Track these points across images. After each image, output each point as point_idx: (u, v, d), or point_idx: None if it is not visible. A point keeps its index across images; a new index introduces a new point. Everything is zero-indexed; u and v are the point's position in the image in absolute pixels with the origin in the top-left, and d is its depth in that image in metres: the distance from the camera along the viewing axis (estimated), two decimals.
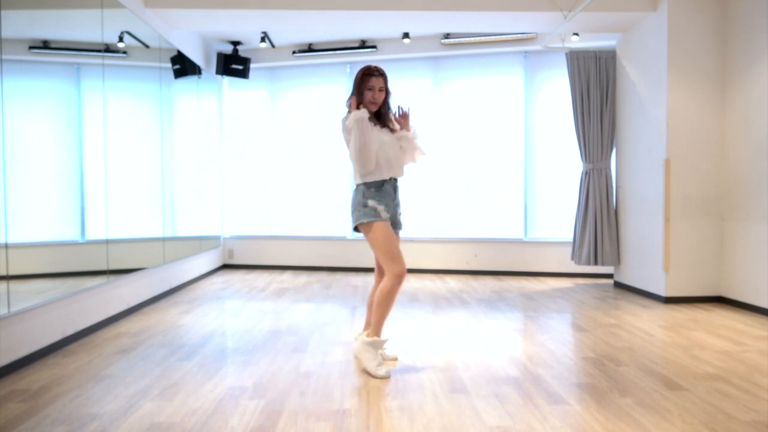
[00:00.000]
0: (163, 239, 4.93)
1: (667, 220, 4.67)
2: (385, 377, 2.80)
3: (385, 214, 2.90)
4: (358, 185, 2.97)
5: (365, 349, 2.90)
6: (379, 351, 2.93)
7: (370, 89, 2.94)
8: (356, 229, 2.98)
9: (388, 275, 2.87)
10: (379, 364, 2.86)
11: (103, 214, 3.89)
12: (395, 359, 3.10)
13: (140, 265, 4.46)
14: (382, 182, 2.94)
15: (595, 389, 2.59)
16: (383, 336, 2.95)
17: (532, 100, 6.34)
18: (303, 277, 6.23)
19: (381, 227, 2.88)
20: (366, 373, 2.86)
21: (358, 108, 2.92)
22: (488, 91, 6.45)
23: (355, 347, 2.99)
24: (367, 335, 2.96)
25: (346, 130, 2.94)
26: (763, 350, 3.24)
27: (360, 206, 2.90)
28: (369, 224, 2.88)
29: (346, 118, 2.96)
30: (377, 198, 2.90)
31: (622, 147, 5.48)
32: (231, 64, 6.43)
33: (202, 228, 6.09)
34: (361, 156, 2.86)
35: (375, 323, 2.92)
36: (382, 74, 2.97)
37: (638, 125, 5.13)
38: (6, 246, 2.86)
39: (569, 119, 5.83)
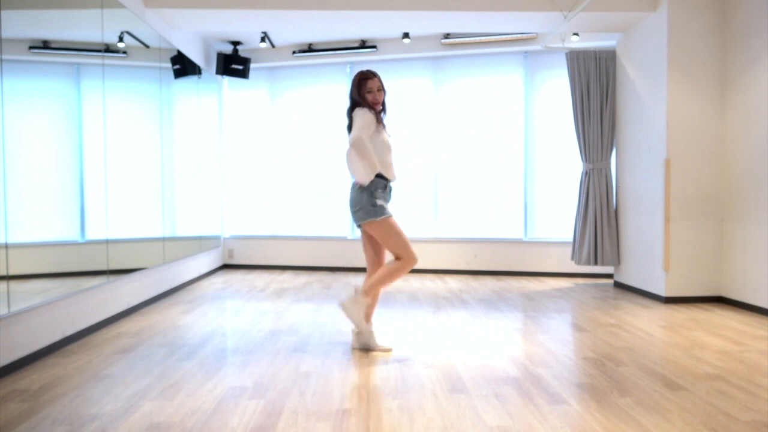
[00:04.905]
0: (163, 239, 4.93)
1: (667, 220, 4.67)
2: (387, 349, 3.18)
3: (390, 211, 3.14)
4: (362, 185, 3.12)
5: (355, 306, 3.11)
6: (371, 331, 3.24)
7: (369, 92, 3.15)
8: (359, 226, 3.18)
9: (405, 259, 3.10)
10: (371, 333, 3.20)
11: (103, 214, 3.89)
12: (389, 350, 3.23)
13: (140, 265, 4.46)
14: (387, 183, 3.17)
15: (595, 389, 2.59)
16: (373, 325, 3.28)
17: (532, 100, 6.34)
18: (303, 277, 6.23)
19: (393, 221, 3.11)
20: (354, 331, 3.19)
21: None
22: (488, 91, 6.45)
23: (343, 301, 3.16)
24: (357, 291, 3.16)
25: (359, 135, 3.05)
26: (763, 350, 3.24)
27: (369, 206, 3.07)
28: (380, 221, 3.08)
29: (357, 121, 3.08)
30: (383, 198, 3.13)
31: (622, 147, 5.48)
32: (231, 64, 6.43)
33: (202, 228, 6.09)
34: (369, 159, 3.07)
35: (370, 286, 3.13)
36: (376, 75, 3.20)
37: (638, 125, 5.13)
38: (6, 246, 2.86)
39: (569, 119, 5.83)
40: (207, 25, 5.47)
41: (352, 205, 3.15)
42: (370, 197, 3.07)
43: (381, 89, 3.19)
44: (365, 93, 3.15)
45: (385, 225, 3.08)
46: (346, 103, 3.28)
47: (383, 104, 3.23)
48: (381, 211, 3.07)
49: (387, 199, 3.17)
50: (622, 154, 5.49)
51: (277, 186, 6.96)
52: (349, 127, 3.20)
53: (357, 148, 3.02)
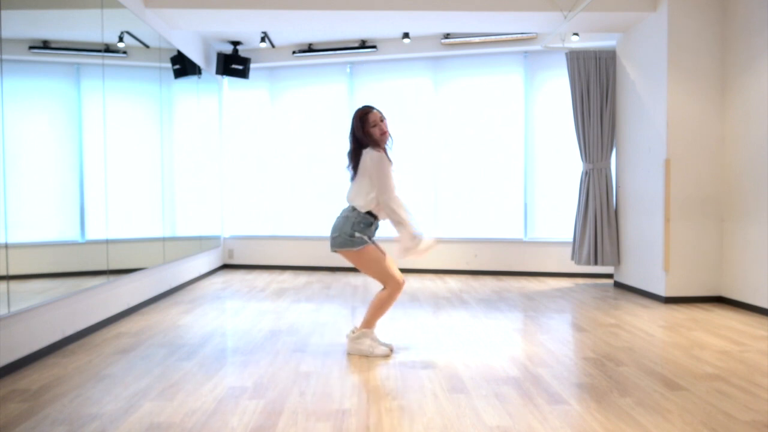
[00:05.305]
0: (163, 239, 4.93)
1: (667, 220, 4.67)
2: (386, 354, 3.12)
3: (368, 240, 3.10)
4: (348, 215, 3.07)
5: (358, 342, 3.16)
6: (371, 339, 3.19)
7: (374, 126, 3.10)
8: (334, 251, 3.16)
9: (389, 286, 3.12)
10: (375, 346, 3.14)
11: (103, 214, 3.89)
12: (389, 355, 3.19)
13: (140, 265, 4.46)
14: (374, 221, 3.12)
15: (595, 389, 2.59)
16: (375, 330, 3.25)
17: (532, 100, 6.34)
18: (303, 277, 6.23)
19: (370, 250, 3.08)
20: (367, 356, 3.12)
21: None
22: (488, 91, 6.45)
23: (348, 347, 3.22)
24: (353, 331, 3.22)
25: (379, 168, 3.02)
26: (763, 350, 3.24)
27: (346, 235, 3.05)
28: (357, 251, 3.06)
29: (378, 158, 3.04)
30: (365, 233, 3.08)
31: (622, 147, 5.48)
32: (231, 64, 6.43)
33: (202, 228, 6.09)
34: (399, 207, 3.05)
35: (368, 319, 3.17)
36: (374, 107, 3.16)
37: (638, 125, 5.13)
38: (6, 246, 2.86)
39: (569, 119, 5.82)
40: (207, 25, 5.47)
41: (333, 230, 3.11)
42: (350, 229, 3.03)
43: (383, 119, 3.14)
44: (370, 128, 3.08)
45: (363, 255, 3.06)
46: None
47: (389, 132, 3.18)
48: (359, 242, 3.04)
49: (370, 235, 3.12)
50: (622, 154, 5.49)
51: (277, 186, 6.96)
52: (354, 167, 3.13)
53: (394, 206, 3.01)
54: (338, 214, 3.16)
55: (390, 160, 3.12)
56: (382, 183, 3.02)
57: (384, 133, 3.12)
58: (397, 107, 6.36)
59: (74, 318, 3.49)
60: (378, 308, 3.15)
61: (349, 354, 3.19)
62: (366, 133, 3.08)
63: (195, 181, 5.86)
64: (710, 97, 4.66)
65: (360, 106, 3.21)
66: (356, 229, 3.04)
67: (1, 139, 2.85)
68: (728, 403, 2.41)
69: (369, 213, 3.09)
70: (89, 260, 3.75)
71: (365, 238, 3.06)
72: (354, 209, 3.09)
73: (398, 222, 3.04)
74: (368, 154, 3.05)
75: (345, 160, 3.21)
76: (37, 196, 3.26)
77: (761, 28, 4.22)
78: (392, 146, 3.22)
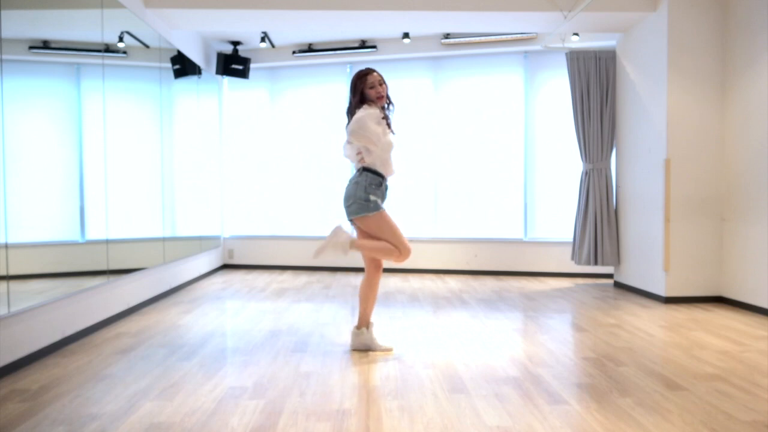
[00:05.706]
0: (163, 239, 4.93)
1: (667, 220, 4.67)
2: (388, 348, 3.20)
3: (383, 206, 3.13)
4: (358, 180, 3.09)
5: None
6: (371, 334, 3.25)
7: (371, 87, 3.12)
8: (352, 221, 3.17)
9: (400, 249, 3.09)
10: (375, 341, 3.23)
11: (103, 214, 3.89)
12: (390, 350, 3.24)
13: (140, 265, 4.46)
14: (382, 180, 3.13)
15: (595, 389, 2.59)
16: (372, 320, 3.31)
17: (532, 100, 6.34)
18: (303, 277, 6.23)
19: (386, 215, 3.10)
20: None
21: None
22: (488, 91, 6.45)
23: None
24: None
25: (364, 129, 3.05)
26: (763, 350, 3.24)
27: (361, 200, 3.05)
28: (373, 215, 3.07)
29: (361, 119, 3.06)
30: (378, 194, 3.10)
31: (622, 147, 5.48)
32: (231, 64, 6.43)
33: (202, 228, 6.09)
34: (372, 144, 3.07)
35: (362, 244, 3.11)
36: (374, 70, 3.19)
37: (638, 125, 5.13)
38: (6, 246, 2.86)
39: (569, 119, 5.82)
40: (207, 25, 5.47)
41: (346, 199, 3.12)
42: (364, 192, 3.04)
43: (382, 83, 3.15)
44: (367, 89, 3.10)
45: (378, 218, 3.07)
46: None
47: (388, 98, 3.19)
48: (374, 206, 3.05)
49: (382, 197, 3.14)
50: (622, 154, 5.49)
51: (277, 186, 6.96)
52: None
53: (355, 136, 3.04)
54: (346, 185, 3.17)
55: (387, 122, 3.15)
56: (353, 126, 3.04)
57: (381, 98, 3.12)
58: (397, 107, 6.34)
59: (74, 318, 3.48)
60: (378, 248, 3.09)
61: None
62: (361, 92, 3.11)
63: (195, 181, 5.86)
64: (710, 97, 4.66)
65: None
66: (369, 191, 3.04)
67: (1, 139, 2.85)
68: (728, 403, 2.41)
69: (375, 173, 3.09)
70: (89, 260, 3.75)
71: (379, 201, 3.08)
72: (360, 173, 3.09)
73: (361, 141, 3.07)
74: (359, 111, 3.07)
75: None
76: (37, 196, 3.26)
77: (761, 28, 4.22)
78: (393, 111, 3.24)
